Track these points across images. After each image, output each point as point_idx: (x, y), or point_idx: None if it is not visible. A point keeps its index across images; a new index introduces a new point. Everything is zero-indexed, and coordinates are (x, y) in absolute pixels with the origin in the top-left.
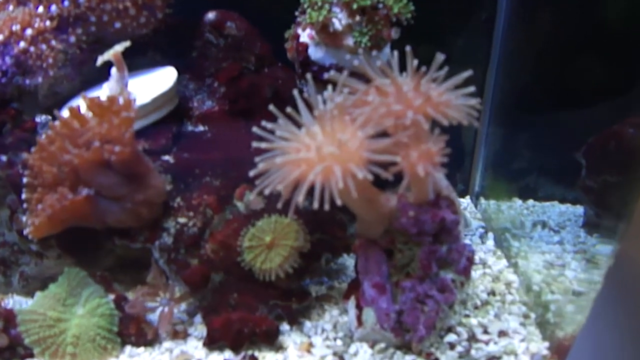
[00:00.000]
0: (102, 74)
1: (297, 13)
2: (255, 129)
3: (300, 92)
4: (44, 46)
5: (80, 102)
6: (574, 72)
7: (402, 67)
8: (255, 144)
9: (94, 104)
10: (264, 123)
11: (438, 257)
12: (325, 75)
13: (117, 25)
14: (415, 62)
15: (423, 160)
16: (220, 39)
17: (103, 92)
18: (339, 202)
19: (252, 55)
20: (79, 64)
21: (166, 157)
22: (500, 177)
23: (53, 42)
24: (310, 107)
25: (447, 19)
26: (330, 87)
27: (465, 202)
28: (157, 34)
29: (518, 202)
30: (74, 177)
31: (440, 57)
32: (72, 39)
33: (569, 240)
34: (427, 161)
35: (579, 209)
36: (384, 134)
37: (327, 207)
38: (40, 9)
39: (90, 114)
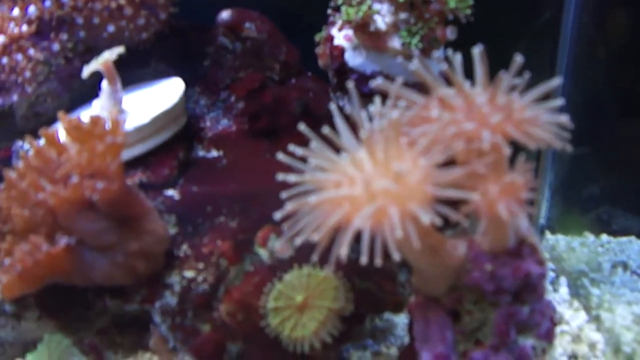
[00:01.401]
0: (97, 90)
1: (329, 11)
2: (281, 156)
3: (338, 107)
4: (19, 56)
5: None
6: None
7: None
8: (281, 177)
9: (72, 127)
10: (292, 148)
11: (518, 321)
12: (371, 85)
13: (111, 28)
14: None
15: (506, 197)
16: (237, 43)
17: (93, 111)
18: (396, 257)
19: (276, 62)
20: (67, 77)
21: (170, 192)
22: (571, 207)
23: (31, 51)
24: (353, 127)
25: (507, 18)
26: (377, 100)
27: None
28: (160, 39)
29: (590, 237)
30: (51, 221)
31: (518, 59)
32: (56, 46)
33: None
34: (511, 198)
35: None
36: (450, 162)
37: (378, 261)
38: (16, 11)
39: (68, 138)
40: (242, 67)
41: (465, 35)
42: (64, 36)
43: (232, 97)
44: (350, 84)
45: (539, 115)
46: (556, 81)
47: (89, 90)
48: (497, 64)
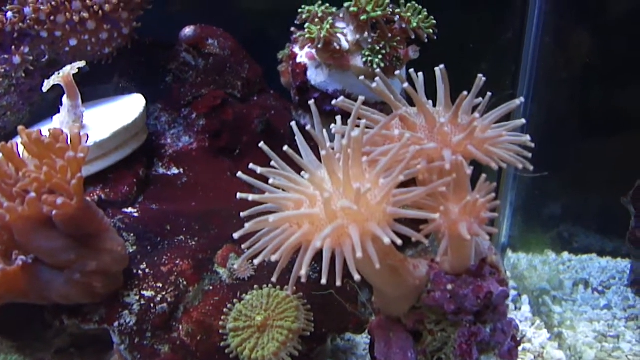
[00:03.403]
0: (58, 103)
1: (293, 28)
2: (240, 175)
3: (299, 125)
4: None
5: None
6: (619, 99)
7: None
8: (240, 195)
9: (31, 141)
10: (252, 166)
11: (480, 341)
12: (333, 103)
13: (73, 42)
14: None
15: (467, 217)
16: (200, 60)
17: (53, 126)
18: (357, 277)
19: (238, 80)
20: (28, 91)
21: (129, 210)
22: (533, 226)
23: None
24: (315, 146)
25: (469, 39)
26: (339, 118)
27: None
28: (122, 55)
29: (552, 255)
30: (7, 238)
31: (481, 80)
32: (17, 59)
33: (617, 303)
34: (472, 218)
35: (621, 263)
36: (411, 181)
37: (338, 282)
38: None
39: (27, 155)
40: (204, 84)
41: (428, 54)
42: (26, 49)
43: (194, 114)
44: (312, 104)
45: (500, 135)
46: (517, 102)
47: (50, 105)
48: (459, 84)
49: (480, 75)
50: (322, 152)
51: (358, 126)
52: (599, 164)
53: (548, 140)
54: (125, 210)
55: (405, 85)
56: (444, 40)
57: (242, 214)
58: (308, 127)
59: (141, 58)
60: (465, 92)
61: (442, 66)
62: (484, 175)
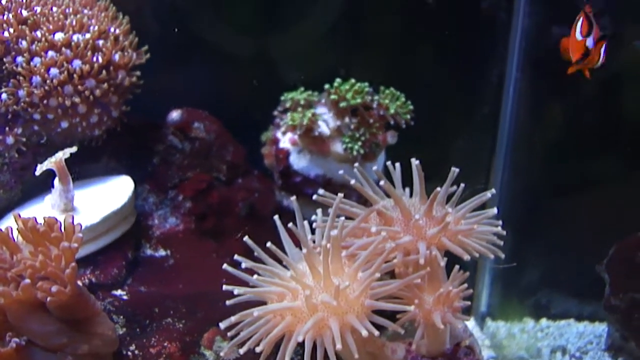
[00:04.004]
0: (50, 180)
1: (275, 112)
2: (226, 267)
3: (281, 211)
4: None
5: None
6: (592, 170)
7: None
8: (226, 288)
9: (26, 228)
10: (237, 258)
11: None
12: (314, 198)
13: (64, 124)
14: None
15: (441, 307)
16: (186, 143)
17: (44, 206)
18: None
19: (222, 163)
20: (19, 169)
21: (118, 292)
22: (511, 293)
23: None
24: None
25: (447, 115)
26: (319, 212)
27: (469, 325)
28: (112, 135)
29: (530, 322)
30: (1, 320)
31: (454, 171)
32: (10, 140)
33: None
34: (446, 307)
35: (598, 327)
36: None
37: None
38: None
39: (21, 239)
40: (190, 167)
41: (407, 130)
42: (19, 130)
43: (180, 196)
44: (294, 200)
45: (472, 227)
46: (488, 194)
47: (41, 181)
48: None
49: (453, 169)
50: (304, 250)
51: (340, 216)
52: (576, 231)
53: (525, 208)
54: (115, 292)
55: (382, 183)
56: (424, 117)
57: (227, 302)
58: (291, 208)
59: (130, 139)
60: (438, 188)
61: (417, 162)
62: (456, 266)
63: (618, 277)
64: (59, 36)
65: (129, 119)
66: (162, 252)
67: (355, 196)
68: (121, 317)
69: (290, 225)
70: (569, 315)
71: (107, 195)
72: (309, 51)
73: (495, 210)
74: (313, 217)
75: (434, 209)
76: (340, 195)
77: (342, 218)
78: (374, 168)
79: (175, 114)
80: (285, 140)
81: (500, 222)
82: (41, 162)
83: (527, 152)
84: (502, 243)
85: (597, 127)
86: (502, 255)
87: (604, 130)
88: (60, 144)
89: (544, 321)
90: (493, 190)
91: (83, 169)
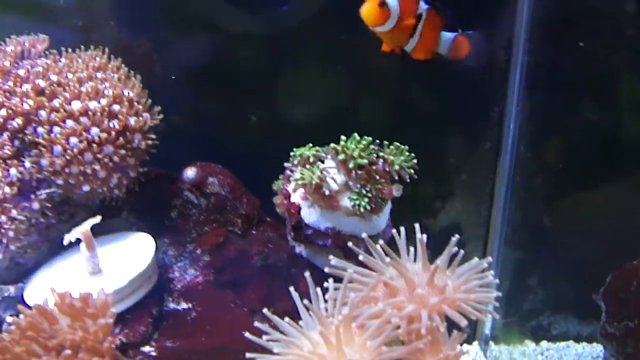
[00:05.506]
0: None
1: (286, 164)
2: (249, 336)
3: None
4: (3, 218)
5: (46, 288)
6: (590, 200)
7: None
8: (250, 356)
9: (64, 305)
10: (257, 324)
11: None
12: (326, 270)
13: (86, 188)
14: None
15: None
16: (202, 199)
17: (72, 267)
18: None
19: (238, 217)
20: (45, 229)
21: (146, 349)
22: (513, 316)
23: (13, 213)
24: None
25: (449, 151)
26: (331, 281)
27: (473, 349)
28: (130, 192)
29: (531, 345)
30: None
31: (454, 240)
32: (36, 205)
33: None
34: None
35: (596, 348)
36: None
37: None
38: None
39: (58, 312)
40: (207, 222)
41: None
42: (43, 195)
43: (198, 250)
44: (307, 275)
45: (470, 295)
46: (484, 264)
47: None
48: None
49: (454, 239)
50: (319, 327)
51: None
52: (576, 259)
53: (526, 240)
54: (144, 349)
55: (388, 260)
56: (426, 153)
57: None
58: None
59: (147, 193)
60: (439, 262)
61: (424, 236)
62: (455, 332)
63: (613, 306)
64: (76, 105)
65: (145, 169)
66: (184, 305)
67: (364, 246)
68: None
69: (305, 302)
70: (568, 336)
71: (131, 256)
72: (313, 90)
73: (497, 280)
74: (325, 285)
75: (436, 277)
76: (350, 271)
77: (352, 296)
78: (379, 219)
79: (190, 172)
80: (296, 196)
81: (496, 281)
82: (63, 221)
83: (527, 188)
84: (497, 304)
85: (598, 158)
86: (497, 316)
87: (605, 162)
88: (81, 203)
89: (544, 343)
90: (490, 259)
91: (105, 224)
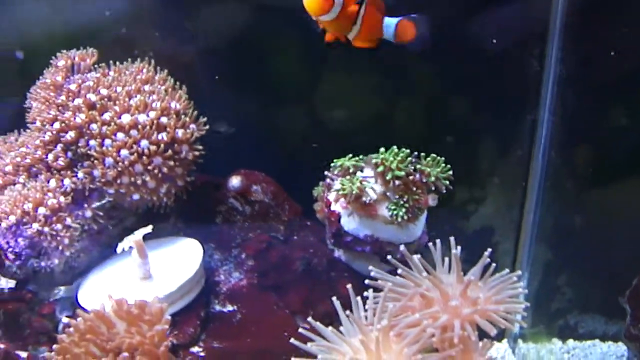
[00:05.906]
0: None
1: (327, 172)
2: (293, 342)
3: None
4: (59, 226)
5: (99, 291)
6: (618, 203)
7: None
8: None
9: (122, 311)
10: (301, 330)
11: None
12: (366, 282)
13: (136, 197)
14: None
15: None
16: (246, 207)
17: (124, 272)
18: None
19: (281, 224)
20: (96, 234)
21: (195, 350)
22: (542, 315)
23: (68, 221)
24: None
25: (482, 157)
26: (371, 291)
27: (502, 347)
28: (177, 199)
29: (558, 343)
30: None
31: (487, 253)
32: (88, 213)
33: None
34: None
35: (621, 347)
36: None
37: None
38: (53, 182)
39: (115, 317)
40: (251, 229)
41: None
42: (95, 204)
43: (243, 255)
44: (350, 290)
45: (500, 306)
46: (514, 277)
47: (115, 239)
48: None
49: (486, 253)
50: (360, 336)
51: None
52: (603, 261)
53: (557, 245)
54: (193, 350)
55: (424, 274)
56: (460, 160)
57: None
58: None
59: (194, 200)
60: (472, 277)
61: (458, 249)
62: (485, 340)
63: (638, 309)
64: (126, 118)
65: (193, 181)
66: (229, 308)
67: (400, 253)
68: None
69: (347, 312)
70: (594, 335)
71: (180, 261)
72: (350, 97)
73: (525, 290)
74: (365, 294)
75: (469, 289)
76: (389, 285)
77: (387, 313)
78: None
79: (235, 181)
80: (337, 205)
81: (525, 291)
82: (112, 226)
83: (558, 193)
84: (525, 314)
85: (627, 163)
86: (525, 325)
87: (633, 167)
88: (132, 209)
89: (570, 342)
90: (519, 272)
91: (154, 228)
